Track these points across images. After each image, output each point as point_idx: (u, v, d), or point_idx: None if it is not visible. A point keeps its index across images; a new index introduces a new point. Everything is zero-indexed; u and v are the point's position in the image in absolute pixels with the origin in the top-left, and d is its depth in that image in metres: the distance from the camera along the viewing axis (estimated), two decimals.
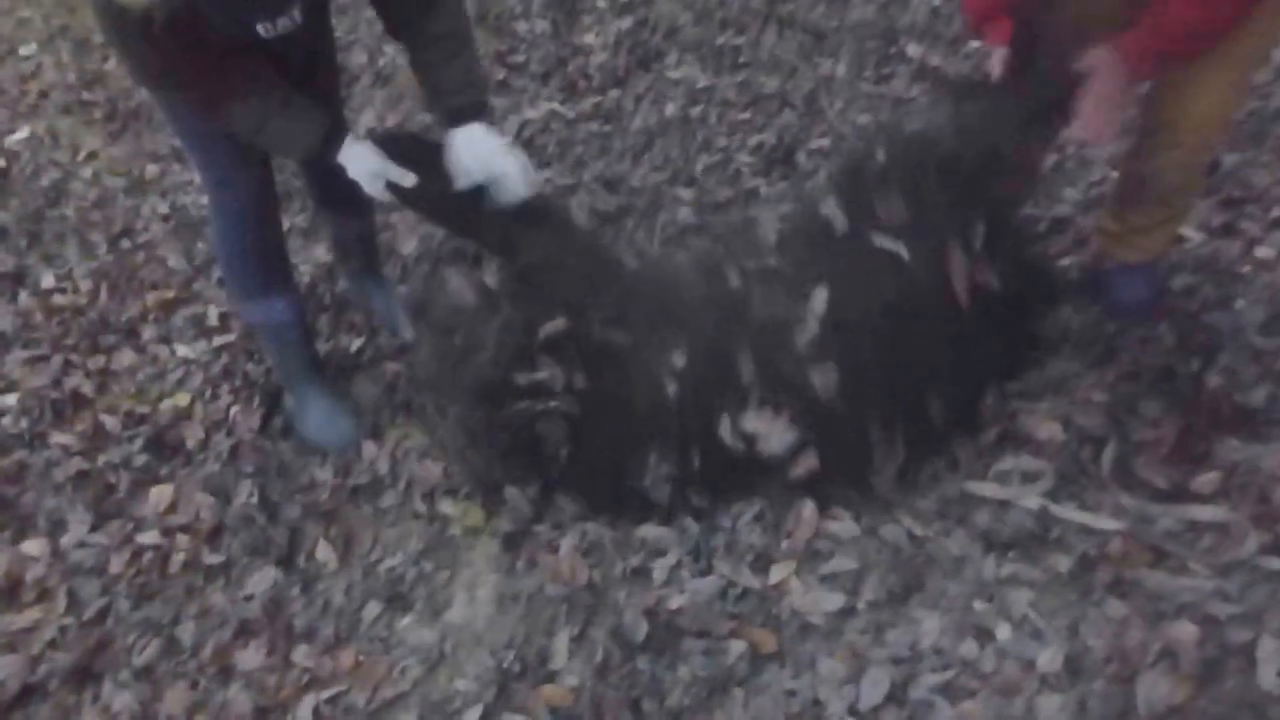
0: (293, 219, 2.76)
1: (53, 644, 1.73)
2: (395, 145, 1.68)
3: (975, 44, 2.95)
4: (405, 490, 1.92)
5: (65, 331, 2.49)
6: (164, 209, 2.93)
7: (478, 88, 1.69)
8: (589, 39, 3.34)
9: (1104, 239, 2.04)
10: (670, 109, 2.98)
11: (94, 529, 1.95)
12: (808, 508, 1.69)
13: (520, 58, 3.30)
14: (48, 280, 2.69)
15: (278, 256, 2.05)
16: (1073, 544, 1.60)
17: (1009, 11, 1.74)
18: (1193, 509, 1.62)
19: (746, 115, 2.93)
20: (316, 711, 1.57)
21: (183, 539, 1.89)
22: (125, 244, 2.83)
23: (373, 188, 1.66)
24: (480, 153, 1.64)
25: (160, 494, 2.00)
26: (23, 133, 3.40)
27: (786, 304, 1.65)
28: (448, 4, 1.64)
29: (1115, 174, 2.11)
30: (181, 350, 2.39)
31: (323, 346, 2.27)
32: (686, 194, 2.65)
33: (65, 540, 1.93)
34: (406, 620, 1.66)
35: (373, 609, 1.69)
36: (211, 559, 1.84)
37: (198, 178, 2.86)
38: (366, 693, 1.57)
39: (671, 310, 1.69)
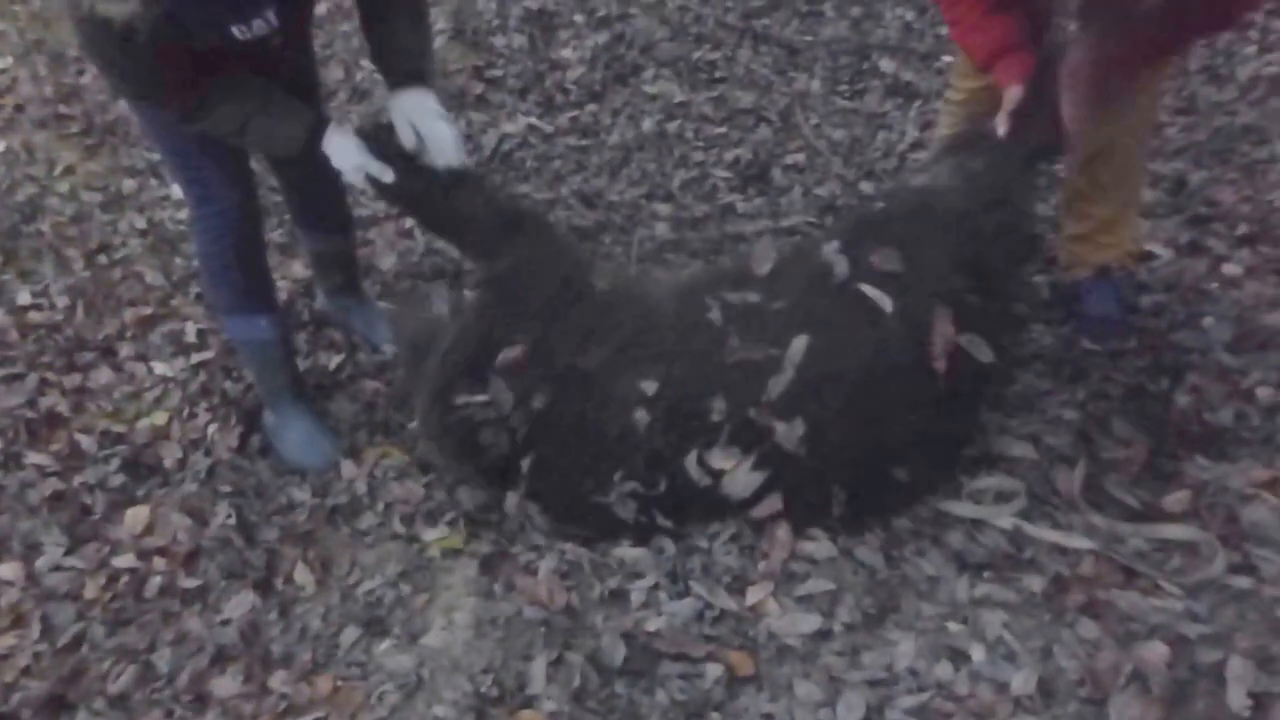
0: (271, 234, 2.75)
1: (26, 671, 1.71)
2: (378, 139, 1.73)
3: (948, 59, 2.98)
4: (384, 511, 1.92)
5: (41, 349, 2.47)
6: (141, 224, 2.91)
7: (426, 56, 1.77)
8: (566, 54, 3.35)
9: (1071, 244, 2.06)
10: (647, 124, 3.00)
11: (69, 552, 1.93)
12: (783, 529, 1.70)
13: (498, 72, 3.30)
14: (23, 297, 2.66)
15: (260, 273, 2.05)
16: (1045, 564, 1.62)
17: (1026, 50, 1.71)
18: (1163, 528, 1.65)
19: (723, 130, 2.95)
20: None
21: (159, 562, 1.88)
22: (102, 260, 2.81)
23: (354, 178, 1.72)
24: (418, 113, 1.70)
25: (137, 516, 1.98)
26: None
27: (764, 346, 1.64)
28: None
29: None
30: (159, 368, 2.37)
31: (301, 364, 2.26)
32: (664, 209, 2.67)
33: (40, 564, 1.91)
34: (384, 645, 1.65)
35: (350, 634, 1.68)
36: (188, 583, 1.83)
37: (176, 193, 2.87)
38: None
39: (645, 334, 1.68)
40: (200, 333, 2.46)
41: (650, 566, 1.69)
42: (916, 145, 2.76)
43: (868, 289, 1.64)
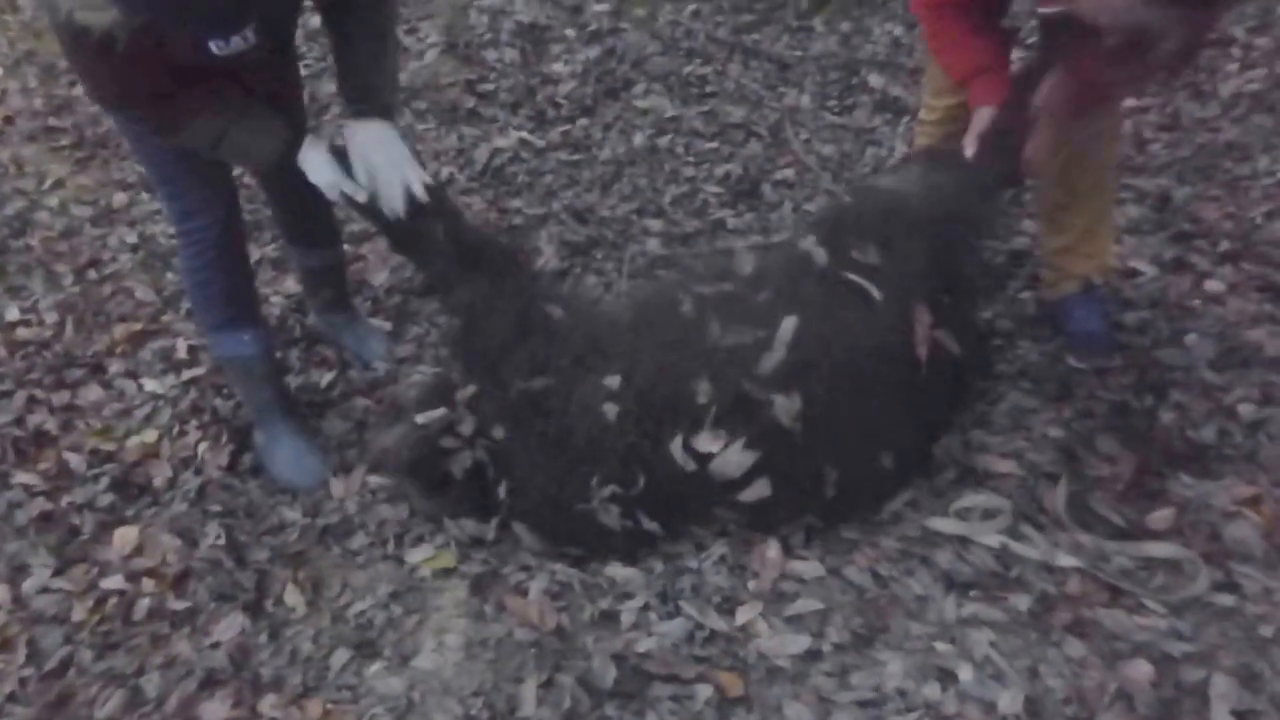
0: (263, 250, 2.75)
1: (11, 697, 1.70)
2: (345, 158, 1.73)
3: None
4: (375, 531, 1.92)
5: (29, 366, 2.46)
6: (132, 239, 2.91)
7: (388, 89, 1.77)
8: (558, 68, 3.36)
9: (1055, 259, 2.08)
10: (638, 138, 3.01)
11: (57, 574, 1.92)
12: (773, 548, 1.72)
13: (489, 86, 3.31)
14: (12, 313, 2.66)
15: (245, 288, 2.05)
16: (1032, 582, 1.64)
17: (1002, 73, 1.75)
18: (1147, 546, 1.66)
19: (713, 145, 2.97)
20: None
21: (148, 584, 1.87)
22: (92, 275, 2.80)
23: (330, 194, 1.73)
24: (372, 149, 1.71)
25: (125, 536, 1.97)
26: None
27: (751, 330, 1.67)
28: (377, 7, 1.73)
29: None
30: (149, 385, 2.37)
31: (293, 381, 2.26)
32: (655, 225, 2.68)
33: (27, 586, 1.90)
34: (375, 668, 1.65)
35: (341, 656, 1.68)
36: (177, 605, 1.82)
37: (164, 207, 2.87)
38: None
39: (601, 343, 1.71)
40: (191, 349, 2.45)
41: (640, 586, 1.70)
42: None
43: (855, 278, 1.68)
